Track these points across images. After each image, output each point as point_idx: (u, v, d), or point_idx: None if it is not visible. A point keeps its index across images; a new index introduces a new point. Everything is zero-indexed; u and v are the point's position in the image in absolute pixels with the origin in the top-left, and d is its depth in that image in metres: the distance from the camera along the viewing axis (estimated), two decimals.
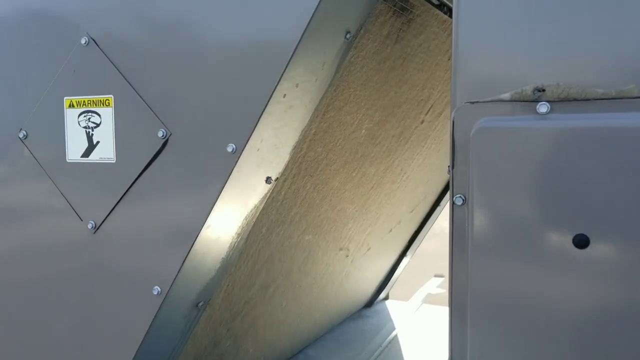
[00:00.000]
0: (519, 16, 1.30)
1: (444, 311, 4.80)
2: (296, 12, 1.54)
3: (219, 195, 1.69)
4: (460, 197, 1.39)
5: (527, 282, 1.31)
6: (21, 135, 1.94)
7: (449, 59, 2.75)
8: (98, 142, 1.82)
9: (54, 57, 1.86)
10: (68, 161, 1.88)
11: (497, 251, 1.33)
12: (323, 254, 3.04)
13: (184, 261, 1.76)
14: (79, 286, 1.91)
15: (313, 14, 1.53)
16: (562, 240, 1.26)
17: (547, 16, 1.27)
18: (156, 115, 1.72)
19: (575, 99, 1.26)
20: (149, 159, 1.74)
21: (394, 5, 1.97)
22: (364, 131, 2.43)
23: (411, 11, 2.10)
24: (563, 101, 1.27)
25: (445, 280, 6.91)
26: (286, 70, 1.56)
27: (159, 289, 1.78)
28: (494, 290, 1.35)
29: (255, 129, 1.62)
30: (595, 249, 1.23)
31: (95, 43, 1.78)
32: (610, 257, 1.23)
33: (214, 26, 1.63)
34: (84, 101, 1.82)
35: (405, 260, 4.71)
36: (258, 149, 1.70)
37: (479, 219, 1.35)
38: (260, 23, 1.57)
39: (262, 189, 1.87)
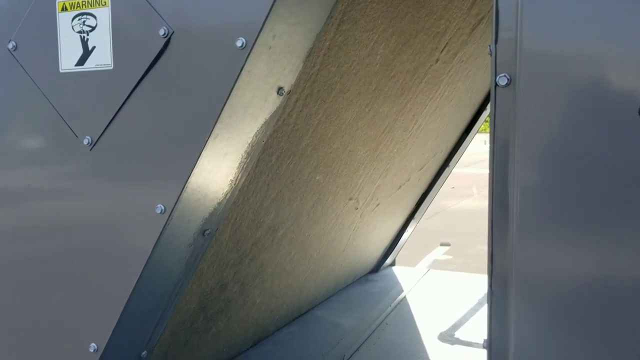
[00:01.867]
0: None
1: (452, 276, 4.66)
2: None
3: (227, 99, 1.52)
4: (505, 75, 1.22)
5: (587, 163, 1.15)
6: (10, 47, 1.77)
7: None
8: (94, 48, 1.65)
9: None
10: (61, 71, 1.71)
11: (552, 134, 1.17)
12: (333, 201, 2.88)
13: (189, 176, 1.60)
14: (75, 208, 1.75)
15: None
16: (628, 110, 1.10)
17: None
18: (156, 12, 1.55)
19: None
20: (150, 61, 1.58)
21: None
22: (378, 57, 2.27)
23: None
24: None
25: (453, 252, 6.81)
26: None
27: (163, 207, 1.62)
28: (546, 199, 1.19)
29: (267, 21, 1.46)
30: None
31: None
32: None
33: None
34: (78, 2, 1.65)
35: (412, 225, 4.57)
36: (270, 47, 1.54)
37: (529, 99, 1.18)
38: None
39: (274, 100, 1.70)
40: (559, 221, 1.18)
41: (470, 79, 3.54)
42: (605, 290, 1.16)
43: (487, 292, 1.31)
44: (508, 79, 1.22)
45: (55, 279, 1.80)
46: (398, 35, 2.30)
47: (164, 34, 1.55)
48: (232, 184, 1.81)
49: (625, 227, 1.13)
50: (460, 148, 4.36)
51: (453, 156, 4.35)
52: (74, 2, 1.66)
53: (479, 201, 12.52)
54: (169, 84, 1.58)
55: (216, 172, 1.70)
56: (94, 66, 1.66)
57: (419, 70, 2.74)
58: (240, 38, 1.47)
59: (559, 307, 1.20)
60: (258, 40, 1.47)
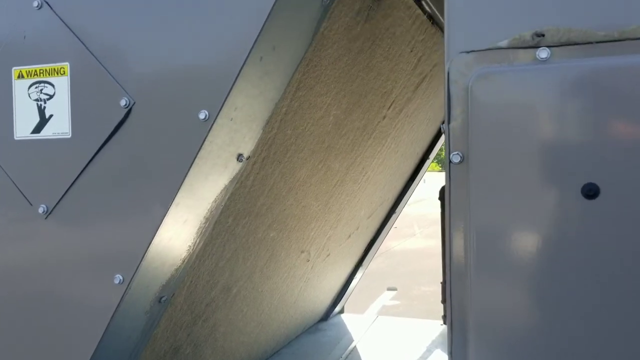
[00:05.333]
0: None
1: (400, 322, 4.72)
2: None
3: (189, 169, 1.54)
4: (457, 154, 1.30)
5: (536, 245, 1.23)
6: None
7: (411, 51, 2.73)
8: (51, 116, 1.64)
9: (1, 22, 1.67)
10: (16, 139, 1.68)
11: (502, 206, 1.25)
12: (286, 255, 2.90)
13: (149, 246, 1.59)
14: (31, 277, 1.69)
15: None
16: (571, 189, 1.19)
17: None
18: (118, 83, 1.57)
19: (577, 43, 1.21)
20: (110, 131, 1.58)
21: None
22: (331, 118, 2.34)
23: None
24: (564, 45, 1.22)
25: (398, 295, 6.90)
26: (264, 29, 1.46)
27: (121, 278, 1.60)
28: (498, 259, 1.27)
29: (230, 94, 1.50)
30: (606, 198, 1.17)
31: (49, 5, 1.62)
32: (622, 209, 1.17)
33: None
34: (36, 71, 1.64)
35: (360, 272, 4.63)
36: (232, 119, 1.57)
37: (481, 174, 1.27)
38: None
39: (234, 167, 1.73)
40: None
41: (415, 130, 3.69)
42: (561, 333, 1.23)
43: (447, 340, 1.35)
44: (461, 157, 1.30)
45: (11, 351, 1.73)
46: (349, 96, 2.39)
47: (125, 104, 1.56)
48: (190, 250, 1.81)
49: (574, 281, 1.21)
50: (406, 195, 4.49)
51: (399, 203, 4.48)
52: (31, 70, 1.65)
53: (421, 241, 12.76)
54: (129, 153, 1.58)
55: (175, 239, 1.69)
56: (51, 134, 1.65)
57: (368, 127, 2.84)
58: (203, 110, 1.50)
59: (516, 349, 1.25)
60: (221, 113, 1.51)
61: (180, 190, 1.55)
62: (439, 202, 3.68)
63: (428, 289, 8.16)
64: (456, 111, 1.31)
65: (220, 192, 1.75)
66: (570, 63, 1.21)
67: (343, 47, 2.05)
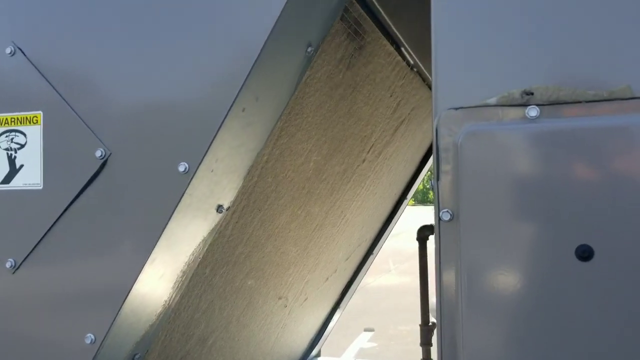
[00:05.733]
0: (502, 15, 1.24)
1: None
2: (259, 18, 1.42)
3: (166, 224, 1.48)
4: (447, 211, 1.27)
5: (528, 302, 1.19)
6: None
7: (391, 96, 2.73)
8: (22, 166, 1.56)
9: None
10: None
11: (494, 269, 1.21)
12: (263, 302, 2.82)
13: (122, 304, 1.51)
14: None
15: (276, 22, 1.41)
16: (564, 251, 1.17)
17: (532, 14, 1.22)
18: (93, 133, 1.51)
19: (566, 102, 1.20)
20: (84, 183, 1.51)
21: (349, 28, 1.90)
22: (312, 164, 2.31)
23: (363, 37, 2.05)
24: (553, 104, 1.21)
25: (375, 335, 6.80)
26: (247, 79, 1.42)
27: (93, 337, 1.51)
28: (491, 321, 1.23)
29: (212, 146, 1.45)
30: (600, 260, 1.15)
31: (22, 52, 1.56)
32: (615, 269, 1.14)
33: (164, 25, 1.47)
34: (6, 119, 1.57)
35: (337, 314, 4.55)
36: (212, 170, 1.52)
37: (471, 233, 1.23)
38: (221, 27, 1.43)
39: (213, 218, 1.67)
40: None
41: (393, 172, 3.68)
42: None
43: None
44: (451, 215, 1.27)
45: None
46: (330, 142, 2.36)
47: (101, 155, 1.50)
48: (166, 304, 1.73)
49: (567, 342, 1.17)
50: (384, 235, 4.46)
51: (377, 243, 4.44)
52: (1, 118, 1.58)
53: (396, 277, 12.71)
54: (104, 207, 1.51)
55: (151, 295, 1.62)
56: (21, 185, 1.57)
57: (347, 171, 2.81)
58: (183, 163, 1.45)
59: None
60: (201, 165, 1.45)
61: (157, 245, 1.49)
62: (413, 236, 3.66)
63: (405, 328, 8.07)
64: (445, 168, 1.28)
65: (199, 245, 1.69)
66: (560, 122, 1.20)
67: (325, 94, 2.03)
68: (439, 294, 1.28)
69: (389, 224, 4.42)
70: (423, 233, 4.33)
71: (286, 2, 1.37)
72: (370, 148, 2.93)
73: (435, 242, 1.30)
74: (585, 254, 1.15)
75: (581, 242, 1.15)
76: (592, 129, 1.17)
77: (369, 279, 12.28)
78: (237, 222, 1.99)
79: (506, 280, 1.21)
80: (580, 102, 1.20)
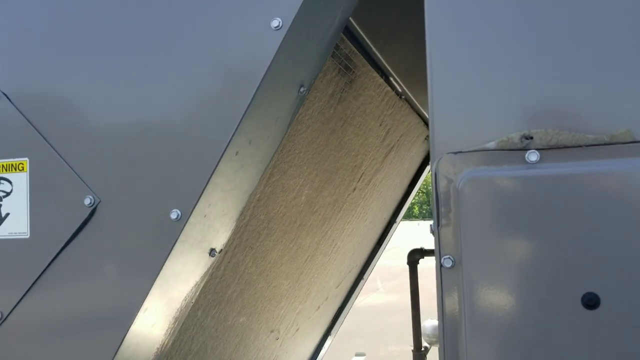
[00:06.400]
0: (500, 58, 1.23)
1: None
2: (252, 62, 1.39)
3: (159, 273, 1.43)
4: (449, 258, 1.24)
5: (534, 352, 1.16)
6: None
7: (380, 125, 2.71)
8: (7, 215, 1.51)
9: None
10: None
11: (498, 317, 1.19)
12: (255, 337, 2.76)
13: (115, 355, 1.45)
14: None
15: (270, 65, 1.38)
16: (570, 299, 1.14)
17: (531, 57, 1.21)
18: (82, 180, 1.46)
19: (566, 146, 1.19)
20: (73, 231, 1.46)
21: (340, 63, 1.89)
22: (303, 197, 2.28)
23: (354, 71, 2.03)
24: (553, 148, 1.20)
25: (366, 358, 6.72)
26: (241, 124, 1.39)
27: None
28: None
29: (204, 191, 1.41)
30: (607, 308, 1.12)
31: (7, 98, 1.51)
32: (622, 317, 1.12)
33: (156, 72, 1.43)
34: None
35: (329, 340, 4.49)
36: (205, 215, 1.48)
37: (474, 281, 1.20)
38: (215, 73, 1.40)
39: (206, 262, 1.63)
40: None
41: (382, 197, 3.66)
42: None
43: None
44: (452, 261, 1.24)
45: None
46: (321, 175, 2.34)
47: (90, 203, 1.45)
48: (158, 352, 1.67)
49: None
50: (373, 260, 4.43)
51: (367, 269, 4.41)
52: None
53: (384, 296, 12.66)
54: (93, 256, 1.46)
55: (143, 344, 1.56)
56: (7, 234, 1.52)
57: (338, 201, 2.78)
58: (175, 210, 1.41)
59: None
60: (194, 212, 1.42)
61: (149, 294, 1.44)
62: (400, 253, 3.63)
63: (394, 349, 8.01)
64: (446, 213, 1.25)
65: (191, 290, 1.64)
66: (560, 167, 1.18)
67: (317, 129, 2.00)
68: (442, 346, 1.24)
69: (378, 248, 4.40)
70: (413, 257, 4.31)
71: (279, 45, 1.35)
72: (361, 177, 2.91)
73: (437, 290, 1.27)
74: (591, 302, 1.13)
75: (587, 289, 1.13)
76: (593, 173, 1.15)
77: (358, 298, 12.22)
78: (229, 262, 1.95)
79: (511, 328, 1.18)
80: (580, 146, 1.18)
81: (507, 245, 1.19)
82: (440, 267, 1.25)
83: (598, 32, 1.17)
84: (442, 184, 1.26)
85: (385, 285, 13.88)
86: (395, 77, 2.51)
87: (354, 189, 2.93)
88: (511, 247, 1.19)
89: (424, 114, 3.18)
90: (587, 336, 1.14)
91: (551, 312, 1.15)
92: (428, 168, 4.10)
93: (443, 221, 1.25)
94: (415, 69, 2.49)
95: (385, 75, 2.39)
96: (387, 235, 4.33)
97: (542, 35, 1.20)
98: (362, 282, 4.41)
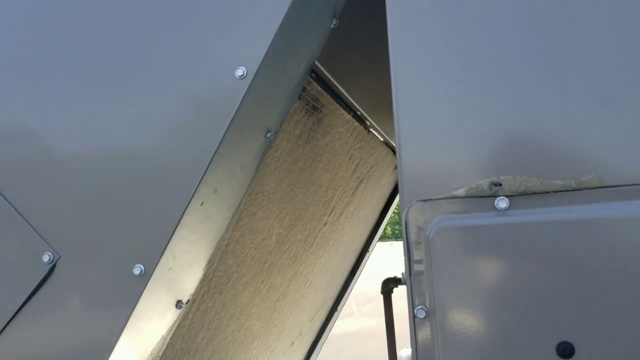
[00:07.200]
0: (467, 105, 1.22)
1: None
2: (217, 112, 1.36)
3: (122, 330, 1.37)
4: (422, 308, 1.22)
5: None
6: None
7: (349, 159, 2.70)
8: None
9: None
10: None
11: None
12: None
13: None
14: None
15: (235, 114, 1.35)
16: (544, 349, 1.12)
17: (497, 104, 1.21)
18: (40, 235, 1.40)
19: (535, 192, 1.18)
20: (31, 290, 1.39)
21: (307, 104, 1.87)
22: (274, 237, 2.23)
23: (321, 110, 2.02)
24: (522, 195, 1.19)
25: None
26: (205, 175, 1.35)
27: None
28: None
29: (169, 245, 1.36)
30: (581, 357, 1.11)
31: None
32: None
33: (114, 122, 1.39)
34: None
35: None
36: (170, 269, 1.43)
37: (449, 332, 1.18)
38: (178, 126, 1.36)
39: (172, 315, 1.57)
40: None
41: (354, 228, 3.64)
42: None
43: None
44: (426, 312, 1.22)
45: None
46: (291, 213, 2.30)
47: (49, 260, 1.39)
48: None
49: None
50: (347, 291, 4.39)
51: (340, 300, 4.36)
52: None
53: (360, 320, 12.58)
54: (54, 314, 1.40)
55: None
56: None
57: (309, 237, 2.74)
58: (139, 265, 1.35)
59: None
60: (158, 266, 1.36)
61: (112, 353, 1.37)
62: (374, 277, 3.59)
63: None
64: (417, 261, 1.23)
65: (157, 344, 1.58)
66: (530, 214, 1.17)
67: (285, 170, 1.97)
68: None
69: (352, 279, 4.36)
70: (387, 286, 4.27)
71: (244, 95, 1.32)
72: (332, 211, 2.89)
73: (410, 341, 1.23)
74: (566, 351, 1.11)
75: (562, 339, 1.11)
76: (562, 221, 1.14)
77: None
78: (197, 310, 1.89)
79: None
80: (549, 192, 1.18)
81: (480, 294, 1.17)
82: (413, 317, 1.23)
83: (562, 79, 1.18)
84: (413, 232, 1.23)
85: (361, 310, 13.81)
86: (363, 112, 2.51)
87: (325, 224, 2.90)
88: (484, 295, 1.17)
89: (392, 144, 3.18)
90: None
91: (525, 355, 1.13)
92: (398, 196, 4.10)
93: (415, 270, 1.23)
94: (382, 102, 2.49)
95: (352, 111, 2.38)
96: (360, 265, 4.30)
97: (509, 83, 1.20)
98: (336, 313, 4.36)
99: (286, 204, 2.17)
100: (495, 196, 1.20)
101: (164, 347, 1.63)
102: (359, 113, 2.49)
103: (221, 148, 1.36)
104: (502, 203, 1.19)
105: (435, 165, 1.24)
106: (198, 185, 1.35)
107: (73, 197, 1.41)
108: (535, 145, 1.19)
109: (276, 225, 2.19)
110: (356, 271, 4.31)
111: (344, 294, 4.32)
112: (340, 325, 12.15)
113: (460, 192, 1.22)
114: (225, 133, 1.34)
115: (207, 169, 1.35)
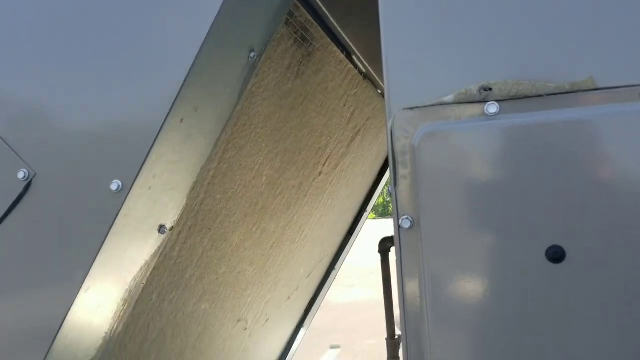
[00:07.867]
0: (455, 7, 1.16)
1: None
2: (193, 23, 1.30)
3: (100, 248, 1.33)
4: (407, 218, 1.17)
5: (497, 310, 1.10)
6: None
7: (344, 105, 2.64)
8: None
9: None
10: None
11: (459, 277, 1.12)
12: (220, 326, 2.67)
13: (53, 341, 1.35)
14: None
15: (212, 25, 1.29)
16: (534, 254, 1.08)
17: (487, 5, 1.14)
18: (15, 152, 1.35)
19: (527, 96, 1.13)
20: (6, 208, 1.36)
21: (295, 33, 1.81)
22: (264, 178, 2.19)
23: (311, 43, 1.95)
24: (513, 99, 1.13)
25: (341, 351, 6.66)
26: (183, 88, 1.30)
27: None
28: (456, 329, 1.13)
29: (147, 161, 1.32)
30: (573, 262, 1.06)
31: None
32: (589, 270, 1.06)
33: (90, 34, 1.34)
34: None
35: (302, 332, 4.41)
36: (150, 187, 1.39)
37: (434, 241, 1.13)
38: (153, 34, 1.31)
39: (155, 240, 1.53)
40: None
41: (351, 185, 3.59)
42: None
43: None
44: (411, 222, 1.17)
45: None
46: (282, 155, 2.25)
47: (24, 177, 1.35)
48: (107, 336, 1.57)
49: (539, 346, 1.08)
50: (345, 250, 4.37)
51: (338, 259, 4.34)
52: None
53: (361, 291, 12.62)
54: (30, 233, 1.36)
55: (87, 327, 1.46)
56: None
57: (303, 184, 2.70)
58: (116, 181, 1.31)
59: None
60: (136, 182, 1.32)
61: (90, 272, 1.34)
62: (376, 249, 3.58)
63: (371, 342, 7.96)
64: (402, 172, 1.18)
65: (141, 270, 1.54)
66: (521, 118, 1.12)
67: (274, 104, 1.92)
68: (402, 306, 1.17)
69: (349, 238, 4.33)
70: (384, 245, 4.25)
71: (221, 6, 1.26)
72: (326, 160, 2.83)
73: (396, 251, 1.19)
74: (556, 255, 1.07)
75: (552, 243, 1.07)
76: (554, 123, 1.09)
77: (333, 295, 12.15)
78: (184, 243, 1.86)
79: (473, 288, 1.12)
80: (541, 95, 1.12)
81: (466, 202, 1.13)
82: (398, 228, 1.18)
83: None
84: (398, 141, 1.18)
85: (361, 282, 13.85)
86: (358, 54, 2.44)
87: (320, 173, 2.85)
88: (471, 203, 1.12)
89: None
90: (553, 291, 1.07)
91: (515, 267, 1.09)
92: None
93: (400, 180, 1.18)
94: (378, 48, 2.42)
95: (346, 51, 2.31)
96: (357, 224, 4.27)
97: None
98: (334, 272, 4.34)
99: (276, 143, 2.12)
100: (485, 101, 1.14)
101: (148, 274, 1.59)
102: (354, 56, 2.42)
103: (198, 62, 1.30)
104: (492, 108, 1.14)
105: (422, 71, 1.18)
106: (175, 99, 1.30)
107: (48, 112, 1.36)
108: (527, 47, 1.13)
109: (266, 165, 2.15)
110: (354, 231, 4.29)
111: (341, 253, 4.30)
112: (340, 296, 12.20)
113: (449, 98, 1.17)
114: (201, 46, 1.29)
115: (184, 83, 1.30)
